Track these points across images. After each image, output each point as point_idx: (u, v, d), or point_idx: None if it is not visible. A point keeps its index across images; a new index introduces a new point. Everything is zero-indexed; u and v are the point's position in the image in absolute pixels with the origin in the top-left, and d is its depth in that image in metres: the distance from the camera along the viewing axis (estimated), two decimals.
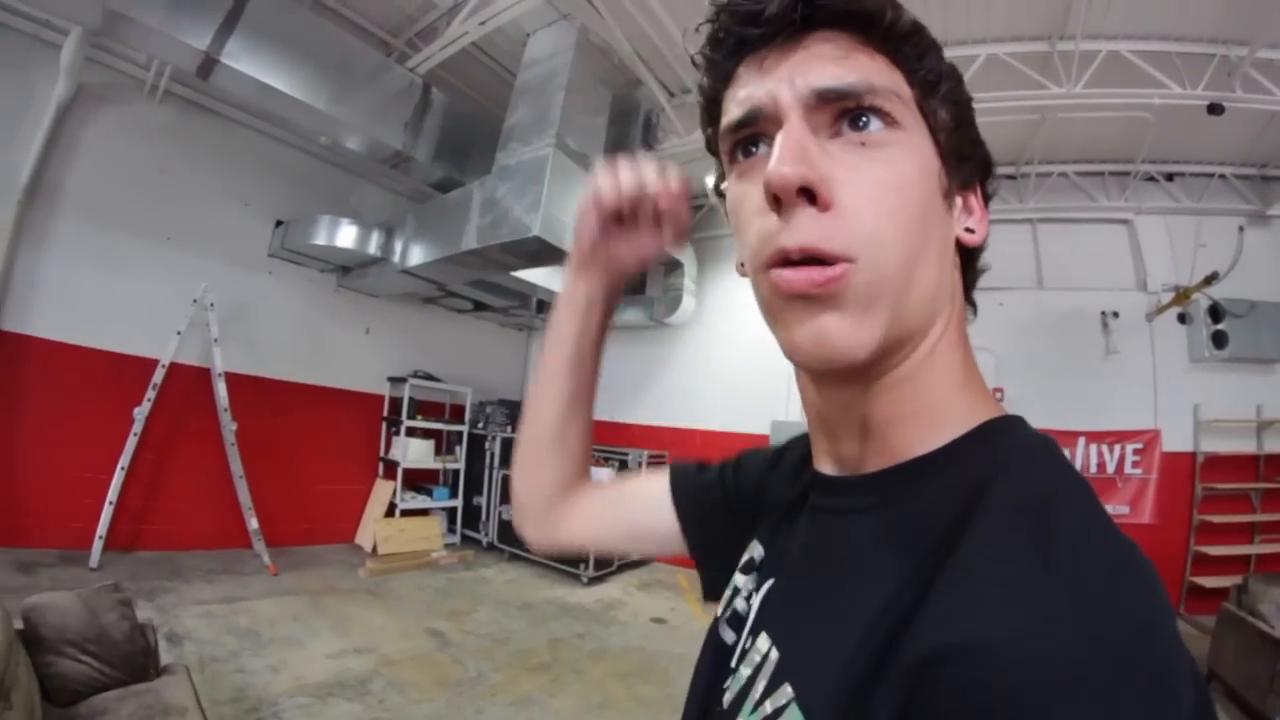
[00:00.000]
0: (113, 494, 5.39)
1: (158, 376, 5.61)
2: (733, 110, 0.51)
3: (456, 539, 7.80)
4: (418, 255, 5.82)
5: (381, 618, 5.22)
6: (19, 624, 2.38)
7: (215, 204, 6.26)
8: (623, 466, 7.21)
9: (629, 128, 5.45)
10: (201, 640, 4.13)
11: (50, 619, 2.56)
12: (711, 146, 0.58)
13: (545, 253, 4.73)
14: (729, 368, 7.66)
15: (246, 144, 6.43)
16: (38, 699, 2.21)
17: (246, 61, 4.33)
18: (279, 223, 6.61)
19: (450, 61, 5.38)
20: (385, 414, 7.76)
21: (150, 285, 5.80)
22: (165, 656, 3.01)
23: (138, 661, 2.71)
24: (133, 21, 3.94)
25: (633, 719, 3.78)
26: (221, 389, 5.92)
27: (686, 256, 7.64)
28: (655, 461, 7.33)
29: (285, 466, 6.71)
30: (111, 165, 5.62)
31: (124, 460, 5.45)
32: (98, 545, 5.28)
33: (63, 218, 5.39)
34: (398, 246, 6.09)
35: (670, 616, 5.77)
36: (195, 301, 5.78)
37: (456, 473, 7.94)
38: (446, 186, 5.71)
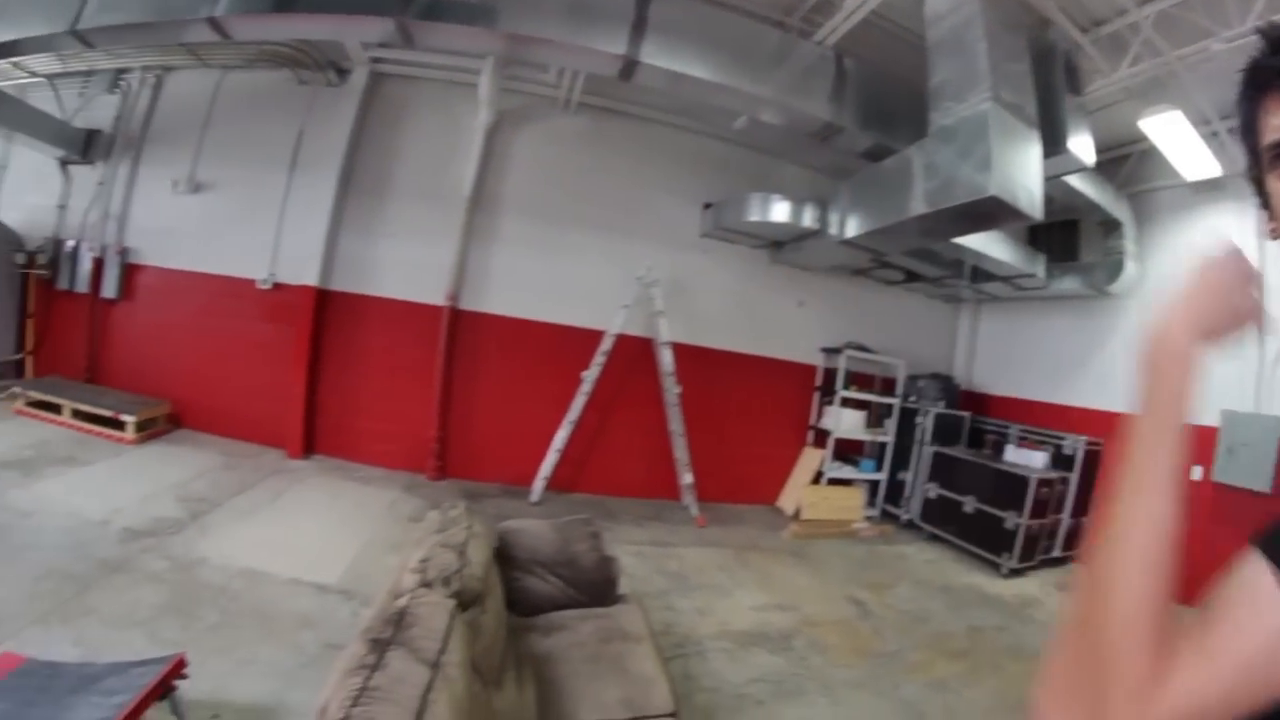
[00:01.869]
0: (559, 442, 6.51)
1: (606, 344, 6.52)
2: (1272, 133, 0.67)
3: (876, 512, 7.68)
4: (856, 225, 5.78)
5: (805, 579, 5.37)
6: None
7: (642, 194, 7.07)
8: (1058, 453, 6.49)
9: (1049, 74, 4.78)
10: (634, 576, 4.57)
11: (524, 541, 3.08)
12: (1245, 138, 0.73)
13: (999, 213, 4.38)
14: None
15: (663, 138, 7.10)
16: (503, 607, 2.60)
17: (664, 58, 4.76)
18: (707, 205, 7.17)
19: (852, 33, 5.22)
20: (818, 384, 7.94)
21: (591, 268, 6.84)
22: None
23: (600, 588, 3.10)
24: (543, 42, 4.70)
25: None
26: (667, 355, 6.67)
27: (1123, 213, 6.45)
28: (1093, 448, 6.43)
29: (718, 429, 7.29)
30: (539, 171, 6.82)
31: (572, 415, 6.52)
32: (539, 484, 6.45)
33: (504, 218, 6.75)
34: (833, 219, 6.13)
35: None
36: (639, 279, 6.59)
37: (883, 446, 7.77)
38: (874, 155, 5.56)
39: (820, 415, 7.82)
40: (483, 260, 6.76)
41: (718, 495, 7.13)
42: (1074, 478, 6.37)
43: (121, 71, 7.46)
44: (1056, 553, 6.39)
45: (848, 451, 7.71)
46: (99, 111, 7.49)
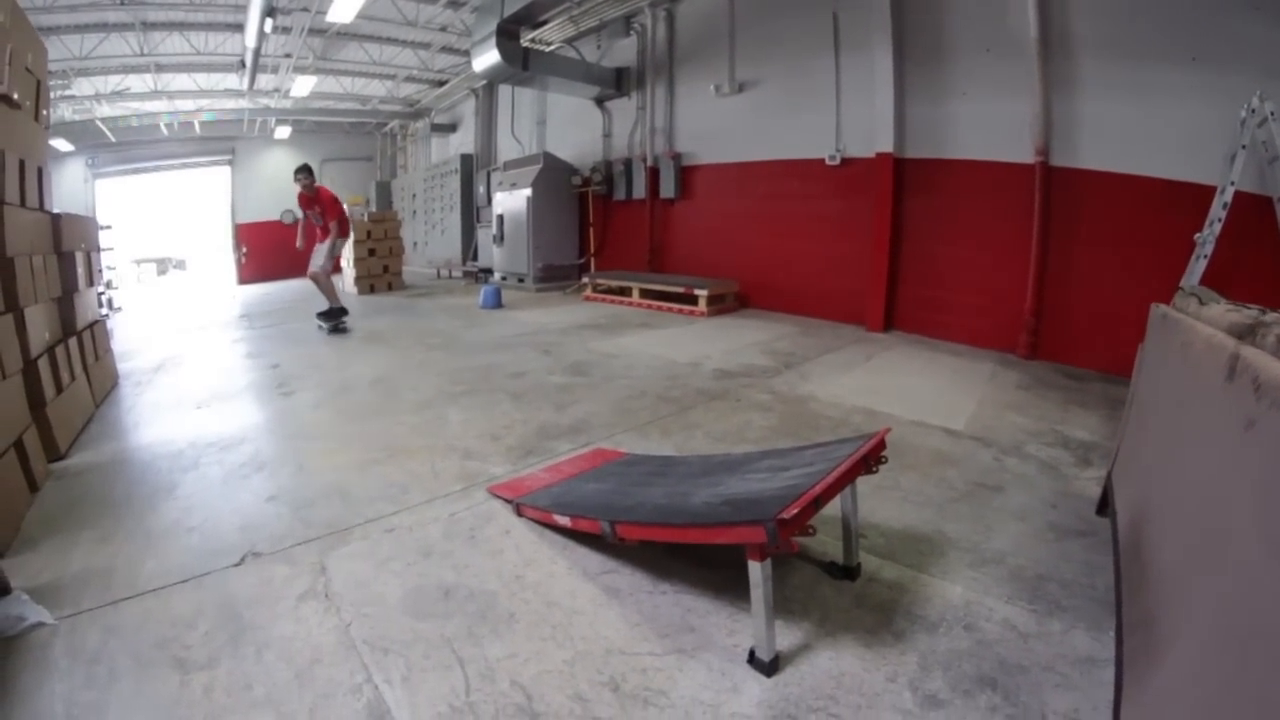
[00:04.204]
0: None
1: (1227, 196, 5.01)
2: None
3: None
4: None
5: None
6: None
7: (1227, 13, 5.76)
8: None
9: None
10: None
11: None
12: None
13: None
14: None
15: None
16: None
17: None
18: None
19: None
20: None
21: (1185, 110, 5.53)
22: None
23: None
24: None
25: None
26: None
27: None
28: None
29: None
30: (1111, 3, 5.71)
31: (1191, 280, 5.03)
32: None
33: (1082, 61, 5.78)
34: None
35: None
36: (1246, 117, 5.00)
37: None
38: None
39: None
40: (1067, 110, 5.96)
41: None
42: None
43: (631, 15, 8.32)
44: None
45: None
46: (621, 54, 8.43)
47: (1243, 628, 0.81)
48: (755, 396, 4.07)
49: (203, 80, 11.86)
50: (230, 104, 13.19)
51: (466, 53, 9.39)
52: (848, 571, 2.03)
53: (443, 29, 10.39)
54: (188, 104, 12.93)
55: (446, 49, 11.31)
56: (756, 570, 1.55)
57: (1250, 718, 0.72)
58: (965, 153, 6.22)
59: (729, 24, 7.44)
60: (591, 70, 8.40)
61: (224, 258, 16.92)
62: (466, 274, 11.45)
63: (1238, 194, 5.08)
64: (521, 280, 9.19)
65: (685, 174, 7.70)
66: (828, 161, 6.72)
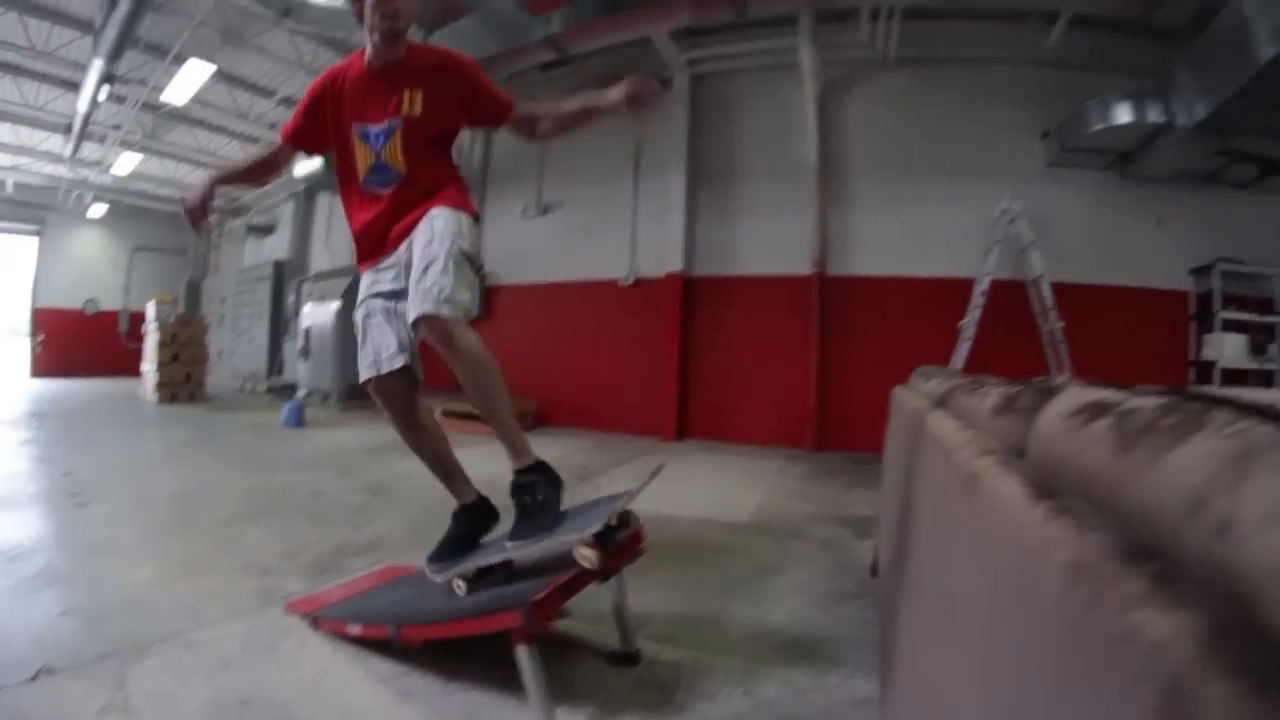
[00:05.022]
0: None
1: (983, 285, 6.22)
2: None
3: None
4: (1204, 105, 5.43)
5: None
6: None
7: (978, 135, 6.87)
8: None
9: None
10: None
11: None
12: None
13: None
14: None
15: (982, 76, 6.92)
16: None
17: None
18: (1044, 134, 6.91)
19: None
20: (1192, 311, 7.07)
21: (945, 216, 6.65)
22: None
23: None
24: None
25: None
26: (1045, 289, 6.26)
27: None
28: None
29: (1095, 371, 6.65)
30: (876, 130, 6.85)
31: (957, 364, 6.08)
32: None
33: (854, 180, 6.79)
34: (1178, 107, 5.78)
35: None
36: (1002, 213, 6.32)
37: (1269, 375, 6.74)
38: (1198, 28, 5.45)
39: (1200, 346, 6.91)
40: (841, 224, 6.84)
41: None
42: None
43: None
44: None
45: (1234, 384, 6.60)
46: None
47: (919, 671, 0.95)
48: None
49: (25, 135, 10.89)
50: (49, 168, 12.20)
51: None
52: (628, 658, 2.13)
53: (272, 126, 10.26)
54: (2, 158, 11.84)
55: None
56: (523, 654, 1.66)
57: None
58: (751, 268, 6.87)
59: (542, 146, 7.89)
60: None
61: (16, 344, 15.30)
62: (271, 389, 10.91)
63: (996, 282, 6.26)
64: (326, 398, 8.95)
65: (491, 294, 7.84)
66: (620, 283, 7.13)
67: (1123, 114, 6.12)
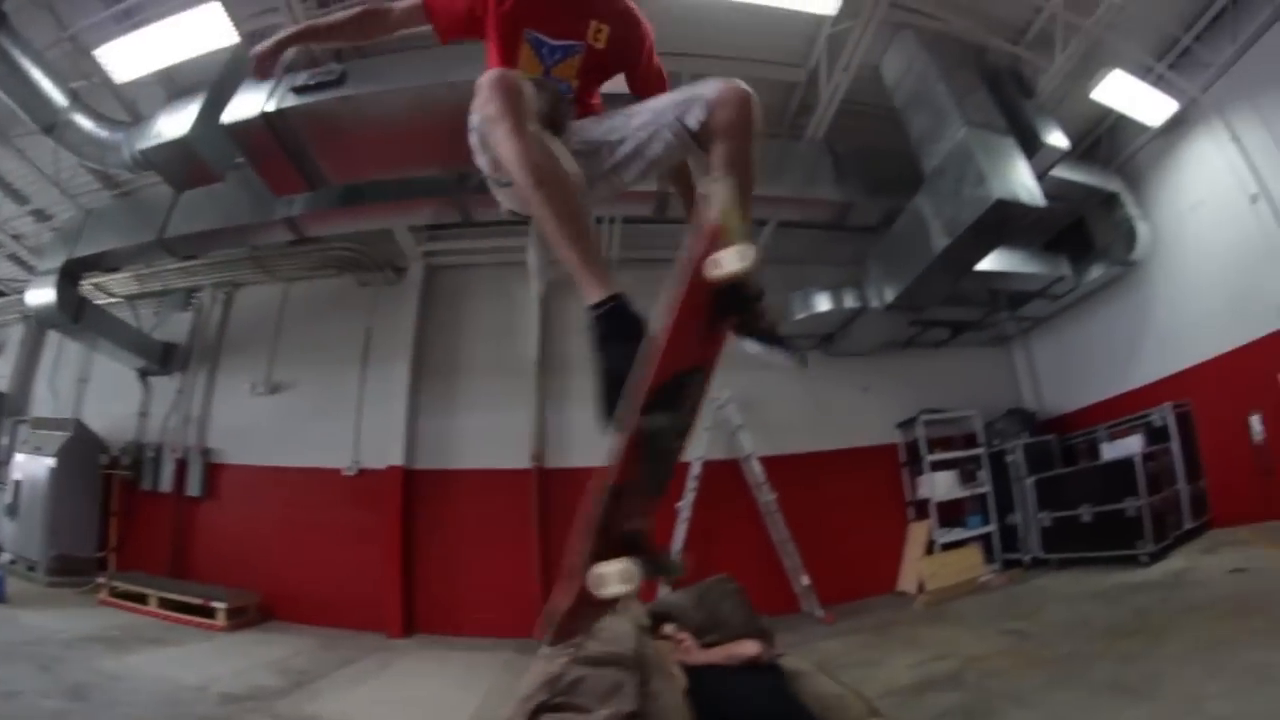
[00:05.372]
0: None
1: (695, 469, 6.70)
2: None
3: (998, 565, 7.36)
4: (892, 290, 6.39)
5: (951, 631, 5.21)
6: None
7: None
8: (1150, 429, 6.63)
9: (1004, 89, 5.68)
10: None
11: (670, 615, 3.13)
12: None
13: (1009, 215, 5.05)
14: (1209, 278, 6.57)
15: None
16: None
17: None
18: None
19: (835, 123, 6.16)
20: (903, 459, 7.99)
21: None
22: None
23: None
24: None
25: (1251, 648, 3.22)
26: (755, 466, 6.84)
27: (1117, 185, 7.02)
28: (1181, 411, 6.50)
29: (818, 531, 7.19)
30: None
31: (676, 544, 6.48)
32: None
33: (574, 376, 7.06)
34: (871, 292, 6.68)
35: (1248, 564, 4.91)
36: (711, 402, 6.77)
37: (984, 498, 7.68)
38: (887, 224, 6.33)
39: (915, 488, 7.81)
40: (559, 419, 7.09)
41: (835, 596, 6.96)
42: (1175, 446, 6.39)
43: (193, 290, 8.19)
44: (1188, 525, 6.21)
45: (952, 515, 7.57)
46: (174, 328, 8.16)
47: None
48: None
49: None
50: None
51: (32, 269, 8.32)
52: None
53: (16, 237, 9.05)
54: None
55: (14, 258, 9.78)
56: None
57: None
58: (473, 461, 6.92)
59: (277, 319, 7.63)
60: (143, 340, 7.92)
61: None
62: None
63: (713, 464, 6.81)
64: (32, 568, 7.80)
65: (213, 471, 7.37)
66: (344, 472, 6.98)
67: (822, 303, 6.92)
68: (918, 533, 7.47)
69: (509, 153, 1.37)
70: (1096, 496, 6.36)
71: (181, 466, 7.35)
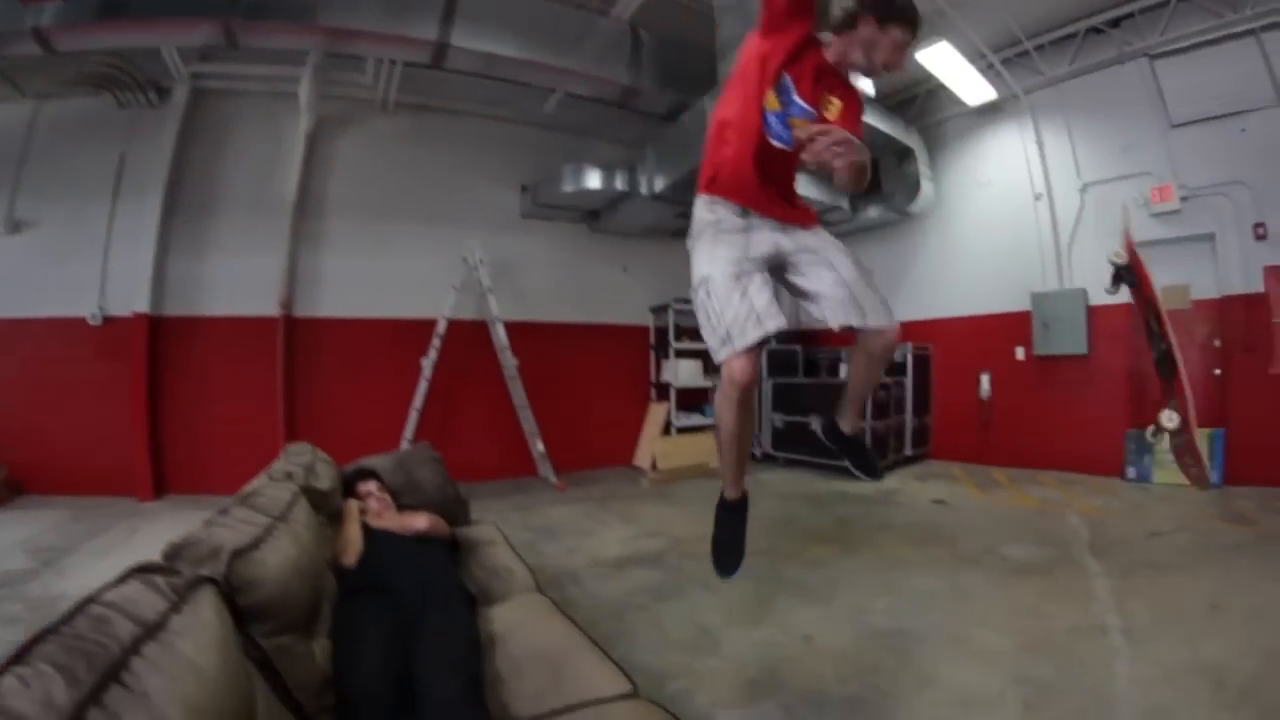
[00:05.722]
0: (409, 431, 6.68)
1: (440, 328, 6.78)
2: None
3: None
4: (662, 181, 6.56)
5: (669, 512, 5.78)
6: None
7: (463, 183, 7.43)
8: (898, 364, 7.45)
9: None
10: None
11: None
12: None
13: None
14: (979, 249, 7.60)
15: (478, 130, 7.53)
16: None
17: (475, 40, 5.41)
18: (524, 188, 7.67)
19: (645, 6, 6.06)
20: (652, 342, 8.49)
21: (420, 260, 7.08)
22: None
23: (450, 508, 3.25)
24: (358, 34, 5.18)
25: (923, 573, 3.83)
26: (500, 331, 6.98)
27: (915, 143, 7.59)
28: (920, 353, 7.62)
29: (563, 401, 7.65)
30: (363, 171, 7.03)
31: (417, 402, 6.72)
32: None
33: (330, 220, 6.90)
34: (642, 179, 6.81)
35: (949, 498, 5.89)
36: (465, 260, 6.91)
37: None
38: (673, 117, 6.45)
39: (659, 371, 8.37)
40: (313, 265, 6.82)
41: (573, 464, 7.47)
42: (909, 381, 7.45)
43: None
44: (908, 451, 7.33)
45: (692, 401, 8.24)
46: None
47: None
48: (6, 610, 3.61)
49: None
50: None
51: None
52: None
53: None
54: None
55: None
56: None
57: None
58: (221, 308, 6.57)
59: (23, 146, 6.49)
60: None
61: None
62: None
63: (461, 324, 6.93)
64: None
65: None
66: (89, 320, 6.35)
67: (593, 180, 6.96)
68: (657, 413, 8.07)
69: (725, 416, 2.01)
70: (827, 409, 7.04)
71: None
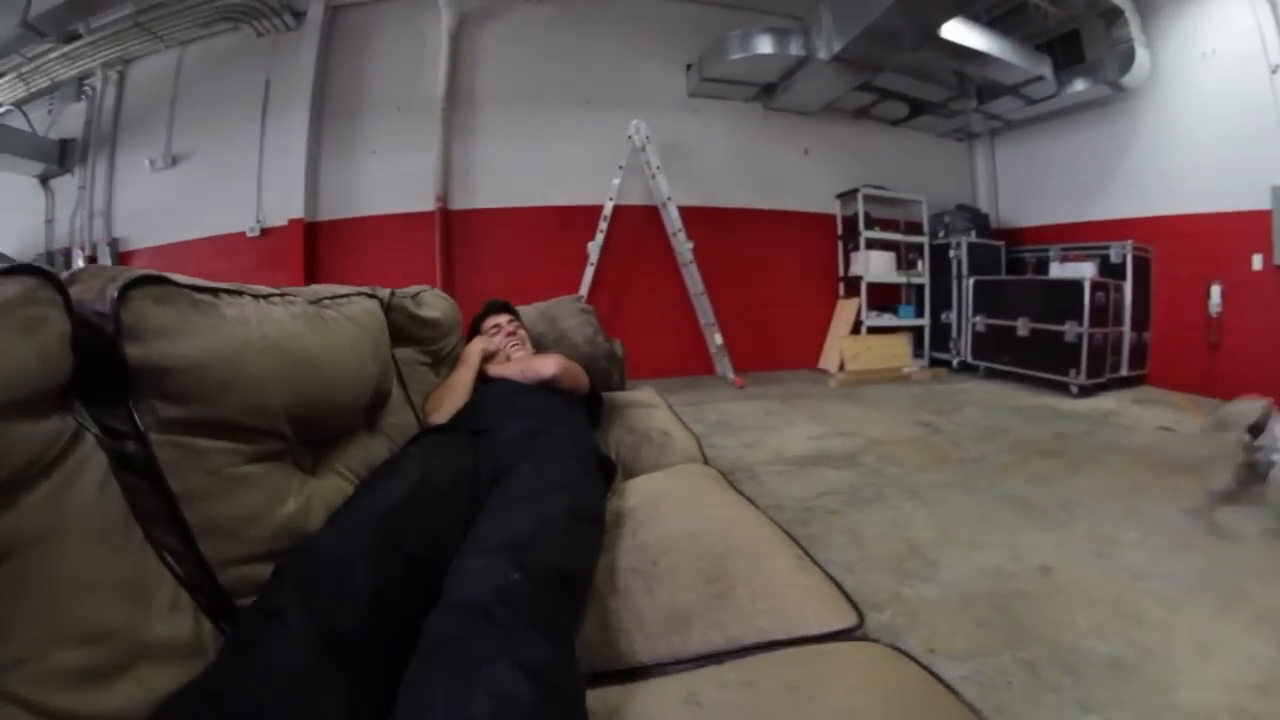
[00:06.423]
0: None
1: (607, 210, 6.23)
2: None
3: (925, 361, 7.15)
4: (841, 39, 5.51)
5: (861, 412, 4.96)
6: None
7: (622, 66, 6.79)
8: (1105, 263, 6.05)
9: None
10: None
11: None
12: None
13: None
14: (1205, 134, 5.72)
15: (630, 9, 6.87)
16: None
17: None
18: (689, 66, 6.83)
19: None
20: (840, 231, 7.46)
21: (579, 145, 6.59)
22: None
23: (600, 364, 2.70)
24: None
25: (1170, 505, 2.93)
26: (673, 211, 6.24)
27: (1125, 2, 5.86)
28: (1140, 254, 6.05)
29: (740, 294, 6.87)
30: (513, 61, 6.61)
31: (583, 290, 6.13)
32: None
33: (482, 111, 6.57)
34: (818, 42, 5.77)
35: (1177, 426, 4.55)
36: (630, 139, 6.20)
37: (920, 289, 7.24)
38: None
39: (848, 264, 7.37)
40: (466, 157, 6.59)
41: (753, 363, 6.75)
42: (1128, 286, 5.90)
43: (84, 77, 7.34)
44: (1124, 371, 5.91)
45: (884, 300, 7.26)
46: (70, 121, 7.43)
47: None
48: None
49: None
50: None
51: None
52: None
53: None
54: None
55: None
56: None
57: None
58: (376, 208, 6.53)
59: (173, 90, 6.87)
60: (37, 142, 7.24)
61: None
62: None
63: (627, 208, 6.45)
64: None
65: (122, 260, 6.87)
66: (248, 234, 6.55)
67: (763, 45, 6.09)
68: (845, 310, 7.11)
69: None
70: (1037, 312, 5.95)
71: (92, 263, 6.99)
